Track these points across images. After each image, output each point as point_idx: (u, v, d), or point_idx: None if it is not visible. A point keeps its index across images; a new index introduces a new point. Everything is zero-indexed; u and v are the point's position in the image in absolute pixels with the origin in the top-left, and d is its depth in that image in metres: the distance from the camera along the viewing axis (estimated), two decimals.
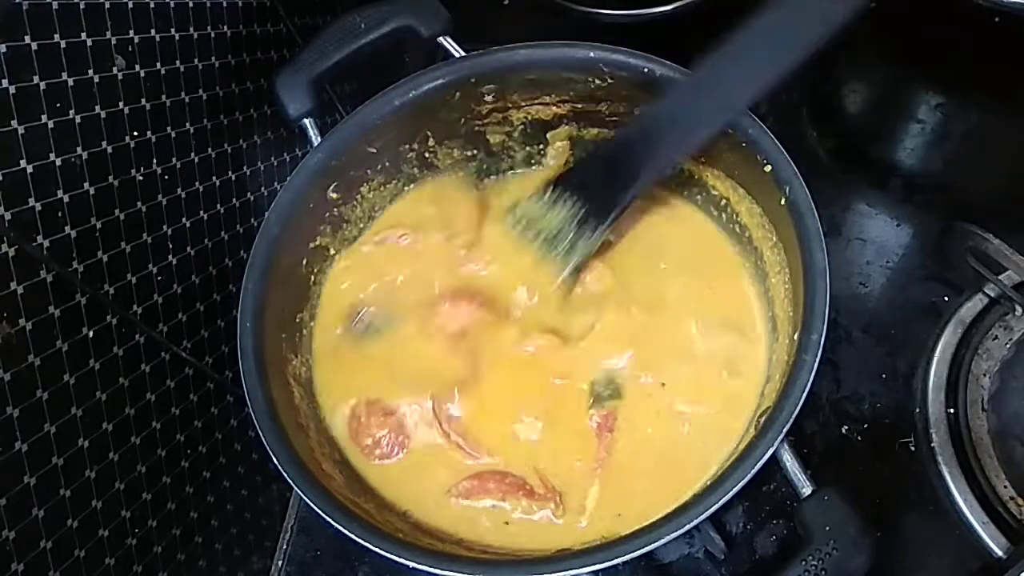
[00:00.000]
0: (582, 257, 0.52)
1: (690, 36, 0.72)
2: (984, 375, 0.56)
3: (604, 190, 0.51)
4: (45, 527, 0.42)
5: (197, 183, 0.56)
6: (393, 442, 0.51)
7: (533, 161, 0.61)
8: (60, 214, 0.44)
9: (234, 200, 0.60)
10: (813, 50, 0.44)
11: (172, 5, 0.53)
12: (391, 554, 0.42)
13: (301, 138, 0.53)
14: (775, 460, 0.41)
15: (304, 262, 0.54)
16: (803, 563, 0.40)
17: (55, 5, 0.44)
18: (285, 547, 0.61)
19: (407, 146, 0.57)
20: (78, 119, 0.45)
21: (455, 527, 0.49)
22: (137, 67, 0.50)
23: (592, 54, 0.51)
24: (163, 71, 0.52)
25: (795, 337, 0.44)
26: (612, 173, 0.51)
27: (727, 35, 0.45)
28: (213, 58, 0.57)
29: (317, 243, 0.55)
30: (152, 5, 0.51)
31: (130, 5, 0.49)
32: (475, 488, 0.50)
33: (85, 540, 0.45)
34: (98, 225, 0.47)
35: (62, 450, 0.44)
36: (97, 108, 0.47)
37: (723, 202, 0.55)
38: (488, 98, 0.55)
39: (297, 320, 0.54)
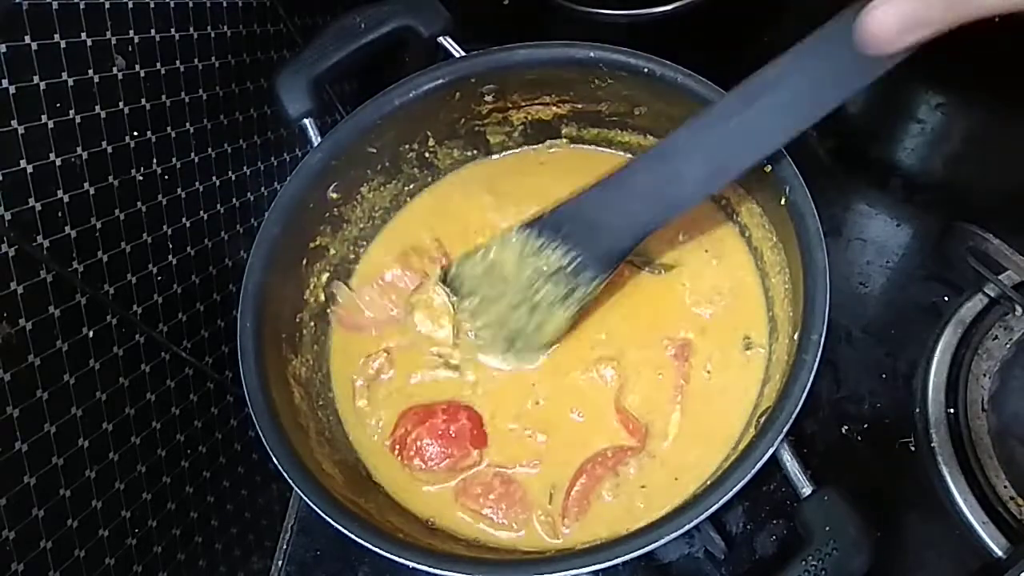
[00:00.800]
0: (577, 308, 0.50)
1: (690, 36, 0.73)
2: (984, 375, 0.56)
3: (604, 237, 0.47)
4: (45, 527, 0.42)
5: (197, 183, 0.56)
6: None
7: None
8: (60, 214, 0.44)
9: (234, 200, 0.60)
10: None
11: (172, 5, 0.53)
12: (391, 554, 0.42)
13: (301, 138, 0.53)
14: (775, 460, 0.41)
15: (304, 262, 0.54)
16: (803, 563, 0.40)
17: (55, 5, 0.44)
18: (285, 547, 0.61)
19: (407, 146, 0.57)
20: (78, 119, 0.45)
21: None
22: (137, 67, 0.50)
23: (592, 54, 0.51)
24: (163, 71, 0.52)
25: (795, 337, 0.44)
26: (611, 219, 0.47)
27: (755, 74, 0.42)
28: (213, 58, 0.57)
29: (317, 243, 0.55)
30: (152, 5, 0.51)
31: (130, 5, 0.49)
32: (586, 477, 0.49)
33: (85, 540, 0.45)
34: (98, 225, 0.47)
35: (62, 450, 0.44)
36: (97, 108, 0.47)
37: (723, 202, 0.55)
38: (488, 98, 0.55)
39: (297, 320, 0.54)
